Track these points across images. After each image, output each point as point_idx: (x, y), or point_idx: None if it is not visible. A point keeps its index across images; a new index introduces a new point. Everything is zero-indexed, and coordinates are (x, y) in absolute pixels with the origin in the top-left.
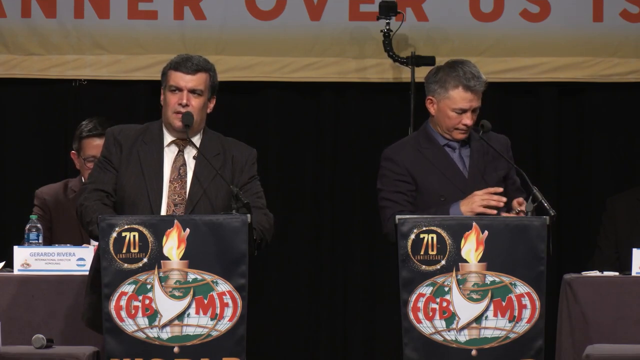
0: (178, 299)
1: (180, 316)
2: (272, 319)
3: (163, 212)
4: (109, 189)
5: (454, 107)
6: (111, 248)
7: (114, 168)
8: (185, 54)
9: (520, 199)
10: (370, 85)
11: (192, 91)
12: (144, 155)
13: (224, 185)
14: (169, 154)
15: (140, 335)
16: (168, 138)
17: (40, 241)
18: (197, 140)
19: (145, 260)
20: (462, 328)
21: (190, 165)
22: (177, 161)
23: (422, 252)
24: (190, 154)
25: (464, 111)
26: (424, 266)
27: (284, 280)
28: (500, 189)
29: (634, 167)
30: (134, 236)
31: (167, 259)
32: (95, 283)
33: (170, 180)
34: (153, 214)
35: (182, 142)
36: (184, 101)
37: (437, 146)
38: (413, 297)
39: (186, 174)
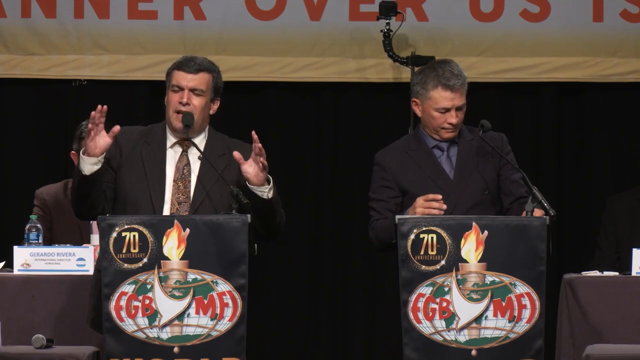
0: (178, 299)
1: (180, 316)
2: (272, 319)
3: (166, 211)
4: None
5: (437, 106)
6: (111, 248)
7: (112, 169)
8: (191, 55)
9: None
10: (370, 85)
11: (193, 90)
12: (146, 156)
13: (227, 185)
14: (173, 155)
15: (140, 335)
16: (171, 139)
17: (40, 241)
18: (200, 140)
19: (145, 260)
20: (462, 328)
21: (194, 165)
22: (181, 161)
23: (422, 252)
24: (194, 154)
25: (447, 110)
26: (423, 266)
27: (284, 280)
28: (439, 196)
29: (634, 167)
30: (134, 236)
31: (167, 259)
32: (99, 285)
33: (174, 180)
34: (155, 213)
35: (186, 143)
36: (185, 100)
37: (426, 148)
38: (413, 297)
39: (190, 173)
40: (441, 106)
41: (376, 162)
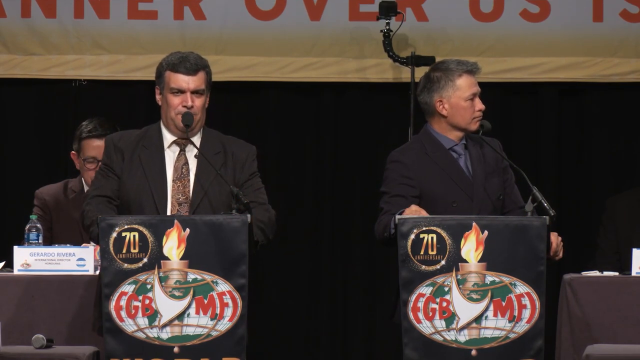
0: (178, 299)
1: (180, 316)
2: (272, 319)
3: (168, 213)
4: (110, 194)
5: (466, 94)
6: (111, 248)
7: (116, 175)
8: (179, 52)
9: None
10: (370, 85)
11: (195, 92)
12: (145, 159)
13: (225, 183)
14: (171, 155)
15: (140, 335)
16: (168, 139)
17: (40, 241)
18: (197, 138)
19: (145, 260)
20: (462, 328)
21: (192, 164)
22: (179, 160)
23: (422, 252)
24: (191, 152)
25: (475, 95)
26: (423, 266)
27: (284, 280)
28: None
29: (634, 167)
30: (134, 236)
31: (167, 259)
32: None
33: (173, 180)
34: (159, 214)
35: (183, 141)
36: (189, 103)
37: (444, 150)
38: (413, 297)
39: (188, 172)
40: (471, 92)
41: (395, 160)
